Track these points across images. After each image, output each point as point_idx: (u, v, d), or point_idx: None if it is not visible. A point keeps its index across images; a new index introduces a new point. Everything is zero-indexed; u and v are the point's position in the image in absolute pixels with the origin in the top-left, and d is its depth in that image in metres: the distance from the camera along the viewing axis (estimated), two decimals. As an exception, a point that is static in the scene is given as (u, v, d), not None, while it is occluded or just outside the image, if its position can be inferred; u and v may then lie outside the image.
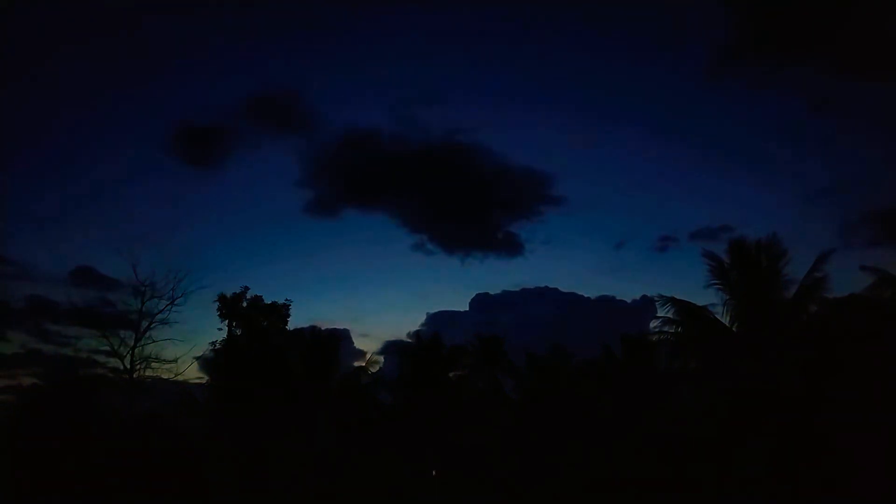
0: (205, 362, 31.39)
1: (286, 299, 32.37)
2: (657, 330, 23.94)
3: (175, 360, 31.10)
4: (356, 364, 34.02)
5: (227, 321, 31.27)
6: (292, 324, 32.35)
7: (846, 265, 23.56)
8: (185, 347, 32.16)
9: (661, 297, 22.94)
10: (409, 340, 35.26)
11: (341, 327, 40.66)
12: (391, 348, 38.00)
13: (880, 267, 20.69)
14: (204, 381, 32.38)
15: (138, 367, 29.47)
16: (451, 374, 32.33)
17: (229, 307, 31.15)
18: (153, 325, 30.10)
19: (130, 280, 30.33)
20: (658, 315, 23.57)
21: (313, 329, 32.07)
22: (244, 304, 31.50)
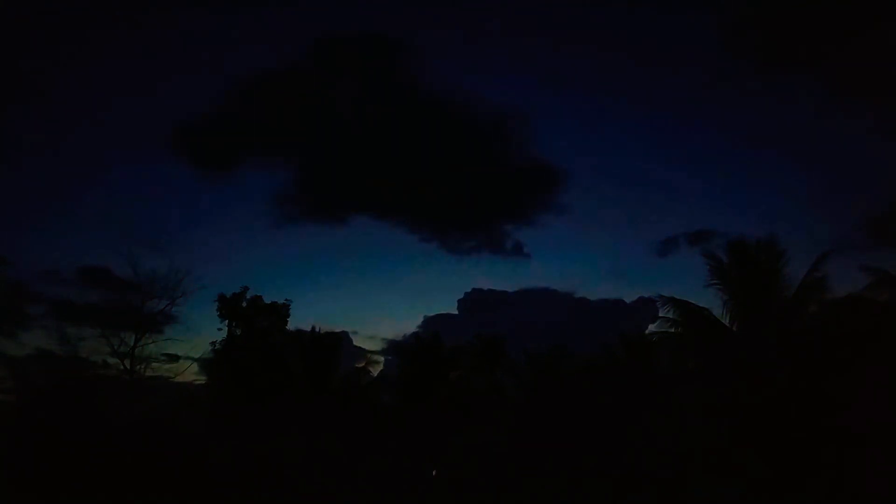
0: (205, 362, 31.49)
1: (286, 299, 32.52)
2: (657, 330, 24.10)
3: (175, 361, 31.24)
4: (356, 365, 34.15)
5: (226, 321, 31.38)
6: (293, 326, 32.49)
7: (846, 265, 23.56)
8: (185, 347, 32.31)
9: (661, 297, 23.04)
10: (410, 341, 35.36)
11: (342, 329, 40.78)
12: (392, 349, 38.15)
13: (880, 267, 20.76)
14: (204, 381, 32.49)
15: (138, 367, 29.58)
16: (451, 374, 32.42)
17: (229, 307, 31.25)
18: (153, 324, 30.17)
19: (131, 279, 30.40)
20: (658, 315, 23.71)
21: (313, 329, 32.15)
22: (244, 304, 31.59)
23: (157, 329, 30.38)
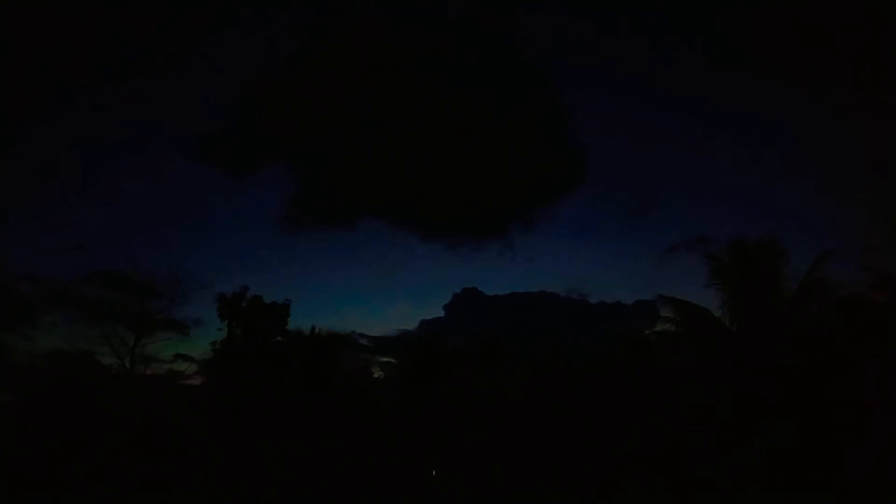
0: (205, 362, 31.47)
1: (286, 299, 32.48)
2: (657, 330, 24.05)
3: (175, 360, 31.23)
4: (356, 365, 34.13)
5: (227, 321, 31.34)
6: (299, 327, 32.46)
7: (846, 265, 23.52)
8: (185, 347, 32.37)
9: (661, 296, 22.96)
10: (411, 341, 35.31)
11: (347, 330, 40.73)
12: (392, 349, 38.13)
13: (880, 267, 20.73)
14: (204, 381, 32.46)
15: (138, 367, 29.59)
16: (451, 375, 32.34)
17: (229, 307, 31.20)
18: (153, 324, 30.18)
19: (134, 280, 30.54)
20: (660, 316, 23.64)
21: (313, 329, 32.11)
22: (244, 305, 31.55)
23: (156, 329, 30.42)
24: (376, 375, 33.67)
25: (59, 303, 31.86)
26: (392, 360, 34.79)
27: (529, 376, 31.61)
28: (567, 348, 33.54)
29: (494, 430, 27.98)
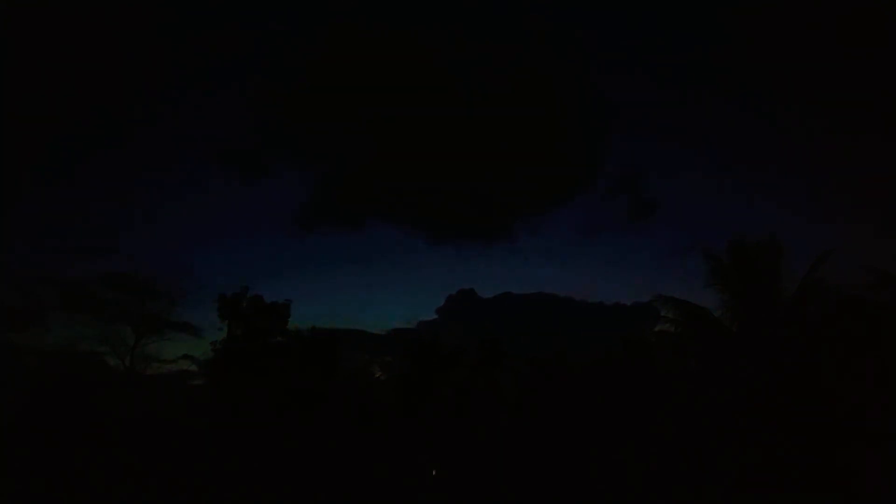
0: (205, 362, 31.49)
1: (286, 299, 32.49)
2: (657, 330, 24.05)
3: (177, 360, 31.27)
4: (356, 365, 34.14)
5: (227, 321, 31.33)
6: (302, 326, 32.46)
7: (846, 265, 23.51)
8: (194, 348, 32.56)
9: (661, 296, 22.92)
10: (410, 342, 35.29)
11: (350, 328, 40.83)
12: (392, 349, 38.14)
13: (880, 267, 20.73)
14: (204, 380, 32.47)
15: (139, 367, 29.66)
16: (451, 375, 32.36)
17: (229, 307, 31.20)
18: (156, 325, 30.26)
19: (136, 280, 30.64)
20: (660, 315, 23.63)
21: (313, 329, 32.11)
22: (244, 304, 31.55)
23: (157, 329, 30.50)
24: (377, 375, 33.68)
25: (71, 304, 32.06)
26: (391, 359, 34.82)
27: (529, 376, 31.65)
28: (567, 348, 33.54)
29: (494, 429, 27.99)
